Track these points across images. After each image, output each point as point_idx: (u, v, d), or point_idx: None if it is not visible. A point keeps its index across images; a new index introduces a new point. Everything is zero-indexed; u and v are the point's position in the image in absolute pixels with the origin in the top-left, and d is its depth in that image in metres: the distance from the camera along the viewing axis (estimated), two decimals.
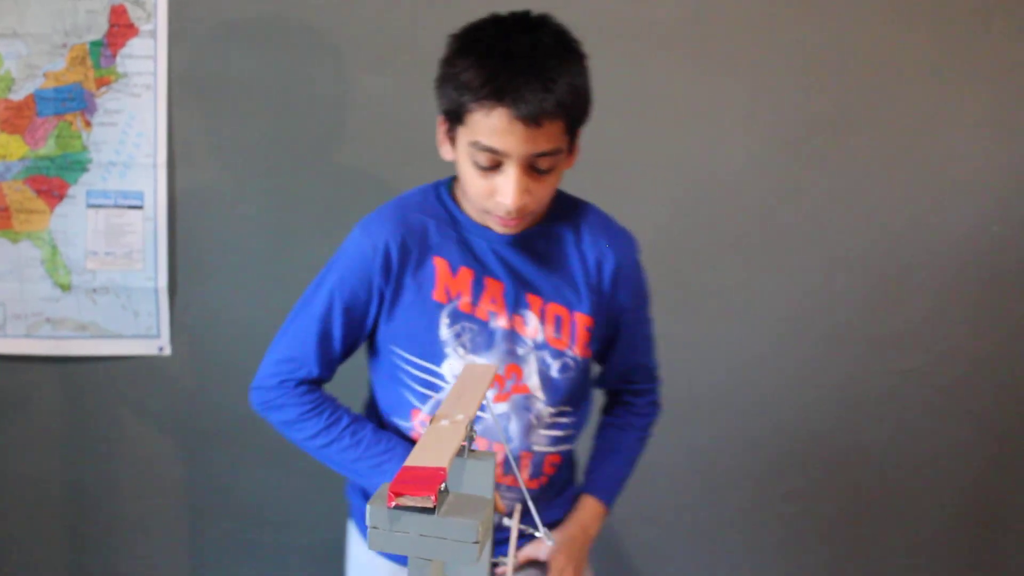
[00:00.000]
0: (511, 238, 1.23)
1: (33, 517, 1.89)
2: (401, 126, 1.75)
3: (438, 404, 1.23)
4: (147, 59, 1.72)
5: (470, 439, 0.89)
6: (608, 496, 1.35)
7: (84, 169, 1.75)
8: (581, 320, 1.27)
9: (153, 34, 1.71)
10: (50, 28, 1.70)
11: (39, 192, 1.74)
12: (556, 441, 1.31)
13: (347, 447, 1.25)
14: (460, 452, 0.87)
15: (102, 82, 1.73)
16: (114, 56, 1.72)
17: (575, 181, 1.27)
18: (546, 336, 1.26)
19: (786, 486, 1.97)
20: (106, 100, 1.73)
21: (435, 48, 1.17)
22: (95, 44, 1.71)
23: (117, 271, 1.78)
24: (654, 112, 1.80)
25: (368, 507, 0.73)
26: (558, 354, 1.27)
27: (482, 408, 1.17)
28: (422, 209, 1.25)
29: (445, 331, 1.24)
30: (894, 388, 1.92)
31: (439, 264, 1.23)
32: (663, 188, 1.82)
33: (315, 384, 1.27)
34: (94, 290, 1.78)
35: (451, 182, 1.28)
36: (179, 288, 1.81)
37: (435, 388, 1.26)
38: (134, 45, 1.72)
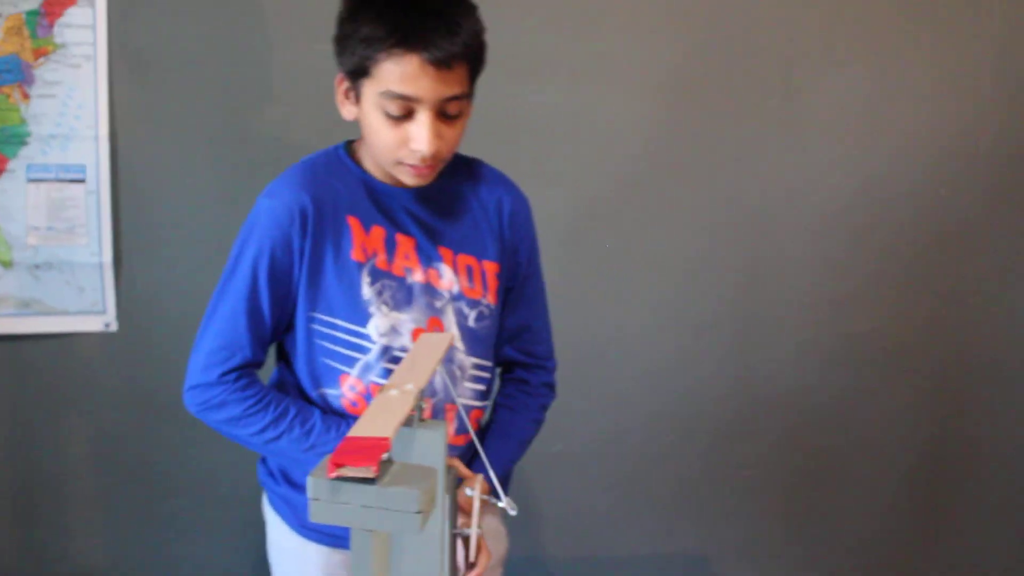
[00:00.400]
0: (415, 193, 1.26)
1: None
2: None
3: (366, 366, 1.25)
4: (86, 29, 1.72)
5: (419, 408, 0.89)
6: (502, 469, 1.35)
7: (23, 143, 1.73)
8: (490, 268, 1.31)
9: (92, 3, 1.71)
10: None
11: None
12: (478, 395, 1.34)
13: (297, 437, 1.24)
14: (410, 422, 0.87)
15: (40, 53, 1.71)
16: (51, 26, 1.71)
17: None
18: (461, 287, 1.30)
19: (740, 452, 2.01)
20: (44, 71, 1.72)
21: None
22: (31, 14, 1.70)
23: (60, 246, 1.77)
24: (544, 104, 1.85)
25: (308, 479, 0.72)
26: (473, 303, 1.31)
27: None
28: (328, 171, 1.27)
29: (367, 290, 1.25)
30: (844, 351, 1.97)
31: (353, 223, 1.25)
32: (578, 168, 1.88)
33: (252, 372, 1.26)
34: (36, 266, 1.76)
35: (348, 144, 1.30)
36: (124, 263, 1.80)
37: (362, 350, 1.26)
38: (72, 14, 1.71)
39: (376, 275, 1.25)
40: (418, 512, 0.72)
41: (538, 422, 1.41)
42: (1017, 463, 2.08)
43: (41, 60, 1.71)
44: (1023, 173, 1.94)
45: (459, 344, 1.31)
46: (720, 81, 1.86)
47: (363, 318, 1.26)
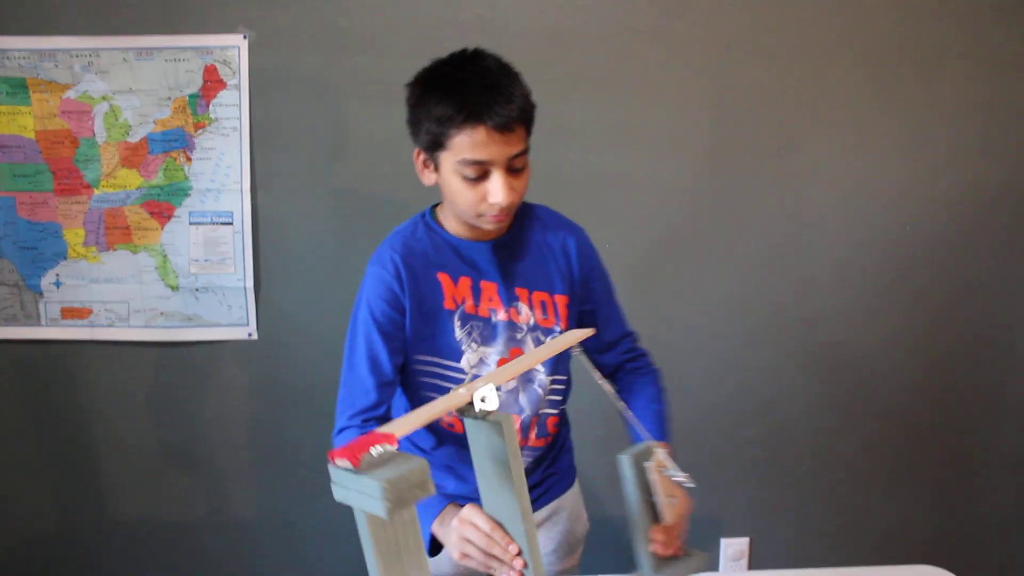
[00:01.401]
0: (493, 245, 1.38)
1: (153, 467, 2.26)
2: None
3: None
4: (233, 107, 2.06)
5: (483, 409, 1.04)
6: (670, 437, 1.44)
7: (186, 195, 2.09)
8: (560, 300, 1.43)
9: (238, 87, 2.05)
10: (157, 85, 2.04)
11: (152, 214, 2.10)
12: (554, 404, 1.49)
13: None
14: (477, 415, 1.04)
15: (199, 126, 2.07)
16: (208, 105, 2.06)
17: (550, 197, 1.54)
18: (536, 319, 1.42)
19: (748, 433, 2.31)
20: (202, 140, 2.07)
21: None
22: (193, 96, 2.05)
23: (214, 274, 2.13)
24: (613, 134, 2.13)
25: (329, 466, 0.90)
26: (547, 331, 1.43)
27: (498, 389, 1.39)
28: (415, 236, 1.40)
29: (459, 332, 1.38)
30: (824, 358, 2.28)
31: (443, 278, 1.38)
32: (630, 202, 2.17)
33: (378, 415, 1.37)
34: (196, 289, 2.13)
35: (432, 210, 1.44)
36: (263, 287, 2.15)
37: (456, 381, 1.39)
38: (223, 96, 2.05)
39: (465, 319, 1.38)
40: (384, 500, 0.86)
41: (663, 390, 1.50)
42: None
43: (200, 131, 2.07)
44: (973, 209, 2.21)
45: (539, 367, 1.44)
46: (732, 141, 2.14)
47: (457, 355, 1.39)
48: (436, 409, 1.01)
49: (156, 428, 2.26)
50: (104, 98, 2.06)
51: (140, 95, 2.06)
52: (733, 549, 2.38)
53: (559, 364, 1.48)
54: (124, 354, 2.20)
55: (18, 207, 2.10)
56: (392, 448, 0.93)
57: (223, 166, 2.10)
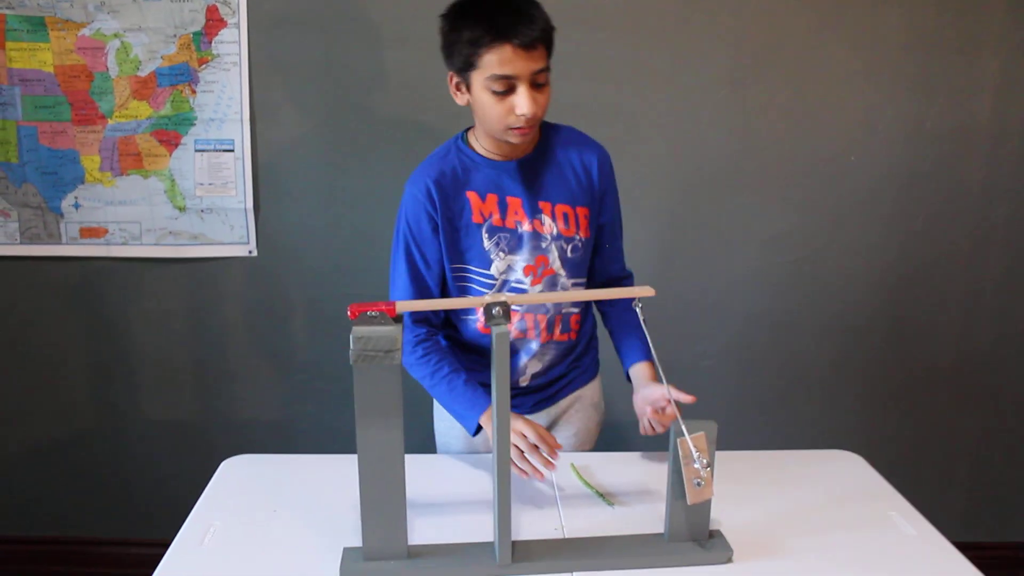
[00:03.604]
0: (519, 164, 1.52)
1: (165, 372, 2.49)
2: (418, 87, 2.26)
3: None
4: (233, 43, 2.24)
5: (498, 310, 1.21)
6: (652, 356, 1.60)
7: (192, 124, 2.29)
8: (582, 211, 1.58)
9: (237, 25, 2.23)
10: (164, 23, 2.23)
11: (161, 141, 2.30)
12: (576, 303, 1.67)
13: (444, 392, 1.57)
14: (493, 322, 1.21)
15: (202, 61, 2.25)
16: (210, 42, 2.24)
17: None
18: (559, 229, 1.56)
19: (781, 353, 2.53)
20: (205, 74, 2.26)
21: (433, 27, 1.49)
22: (196, 34, 2.24)
23: (217, 197, 2.33)
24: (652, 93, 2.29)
25: (352, 331, 1.14)
26: (569, 240, 1.57)
27: (525, 291, 1.58)
28: (447, 159, 1.54)
29: (487, 242, 1.54)
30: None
31: (471, 196, 1.53)
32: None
33: (428, 332, 1.59)
34: (202, 211, 2.34)
35: (464, 134, 1.57)
36: (261, 208, 2.35)
37: (487, 286, 1.57)
38: (224, 34, 2.24)
39: (492, 231, 1.54)
40: (351, 348, 1.13)
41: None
42: None
43: (203, 66, 2.26)
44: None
45: (561, 271, 1.60)
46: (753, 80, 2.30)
47: (486, 263, 1.56)
48: (445, 302, 1.28)
49: (167, 336, 2.49)
50: (116, 35, 2.25)
51: (148, 33, 2.25)
52: None
53: (579, 267, 1.63)
54: (137, 270, 2.42)
55: (40, 136, 2.31)
56: (387, 317, 1.18)
57: (225, 98, 2.29)
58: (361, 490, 1.26)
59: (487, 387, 1.51)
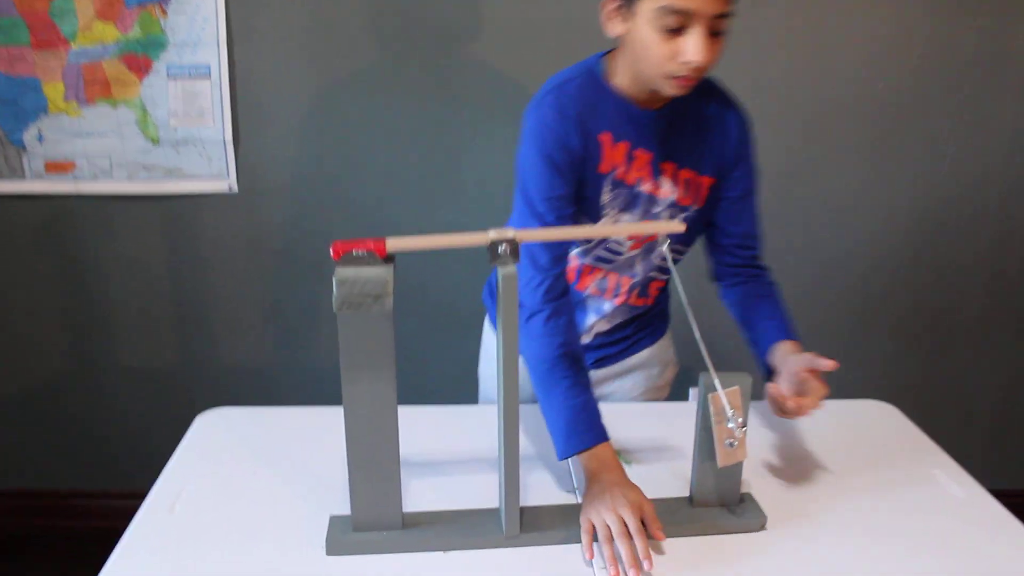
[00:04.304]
0: (658, 114, 1.31)
1: (142, 316, 2.37)
2: (411, 6, 2.08)
3: (585, 251, 1.44)
4: None
5: (503, 247, 1.04)
6: (798, 336, 1.40)
7: (164, 48, 2.11)
8: (706, 181, 1.39)
9: None
10: None
11: (130, 67, 2.12)
12: (664, 272, 1.52)
13: (556, 398, 1.29)
14: (500, 262, 1.04)
15: None
16: None
17: None
18: (677, 197, 1.39)
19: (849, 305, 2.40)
20: None
21: None
22: None
23: (193, 127, 2.17)
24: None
25: (335, 272, 0.99)
26: (684, 209, 1.41)
27: (619, 254, 1.43)
28: (584, 90, 1.31)
29: (606, 196, 1.36)
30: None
31: (604, 139, 1.32)
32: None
33: (563, 296, 1.34)
34: (176, 143, 2.18)
35: (600, 63, 1.33)
36: (241, 140, 2.20)
37: (587, 241, 1.43)
38: None
39: (614, 185, 1.35)
40: (335, 293, 0.99)
41: (780, 300, 1.47)
42: None
43: None
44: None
45: (663, 240, 1.34)
46: None
47: (596, 216, 1.39)
48: (444, 240, 1.06)
49: (142, 279, 2.35)
50: None
51: None
52: None
53: (686, 239, 1.47)
54: (108, 208, 2.27)
55: None
56: (376, 257, 1.02)
57: (199, 19, 2.11)
58: (349, 456, 1.12)
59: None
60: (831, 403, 1.61)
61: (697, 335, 1.16)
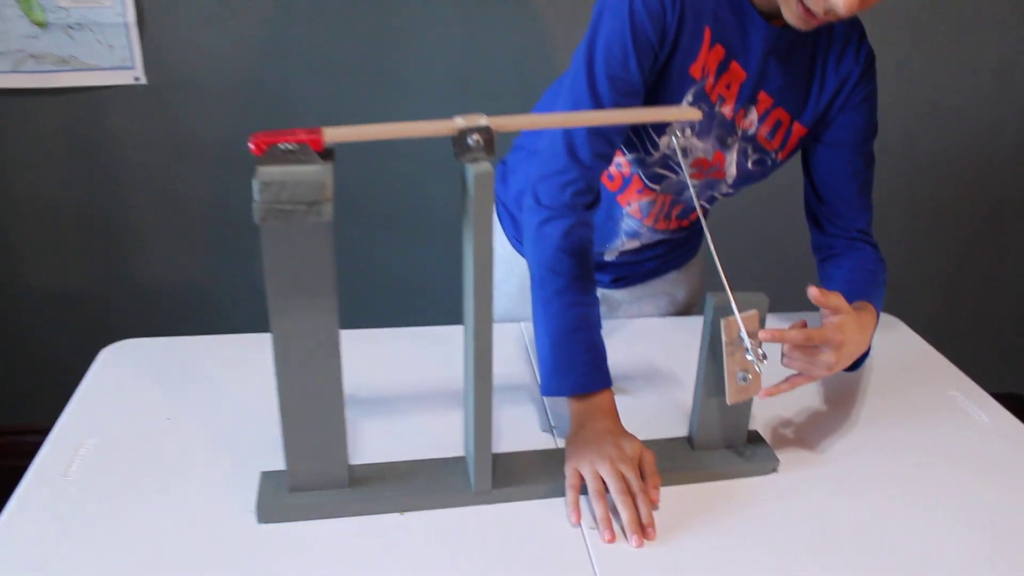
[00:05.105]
0: (775, 33, 1.10)
1: (47, 230, 2.10)
2: None
3: (640, 161, 1.19)
4: None
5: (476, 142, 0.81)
6: (878, 312, 1.15)
7: None
8: (798, 130, 1.19)
9: None
10: None
11: None
12: (713, 201, 1.32)
13: (557, 324, 1.07)
14: (469, 158, 0.81)
15: None
16: None
17: None
18: (759, 133, 1.18)
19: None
20: None
21: None
22: None
23: (88, 8, 1.87)
24: None
25: (256, 173, 0.76)
26: (761, 150, 1.20)
27: (676, 171, 1.20)
28: None
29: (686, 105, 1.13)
30: None
31: (707, 34, 1.09)
32: None
33: (595, 200, 1.14)
34: (70, 26, 1.88)
35: None
36: (147, 23, 1.91)
37: (646, 150, 1.18)
38: None
39: (698, 97, 1.13)
40: (256, 199, 0.77)
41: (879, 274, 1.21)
42: None
43: None
44: None
45: (729, 180, 1.23)
46: None
47: (662, 129, 1.16)
48: (397, 129, 0.83)
49: (44, 186, 2.07)
50: None
51: None
52: None
53: (752, 183, 1.26)
54: None
55: None
56: (311, 151, 0.79)
57: None
58: (280, 401, 0.90)
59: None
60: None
61: (709, 240, 0.96)
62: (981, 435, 1.15)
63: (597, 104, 1.07)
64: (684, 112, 0.91)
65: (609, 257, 1.41)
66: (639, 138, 1.17)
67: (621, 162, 1.23)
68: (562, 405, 1.11)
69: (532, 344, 1.32)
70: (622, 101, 1.07)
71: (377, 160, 2.08)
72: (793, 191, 1.33)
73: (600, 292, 1.46)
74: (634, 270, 1.44)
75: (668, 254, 1.45)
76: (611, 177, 1.26)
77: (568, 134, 1.09)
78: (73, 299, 2.19)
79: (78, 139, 2.02)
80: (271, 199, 0.79)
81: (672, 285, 1.49)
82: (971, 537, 0.96)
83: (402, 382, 1.21)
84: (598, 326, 1.09)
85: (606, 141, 1.10)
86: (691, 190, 1.14)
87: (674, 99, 1.12)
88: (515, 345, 1.33)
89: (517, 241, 1.42)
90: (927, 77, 2.20)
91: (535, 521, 0.96)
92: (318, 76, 2.01)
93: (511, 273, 1.44)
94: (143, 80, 1.96)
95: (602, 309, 1.44)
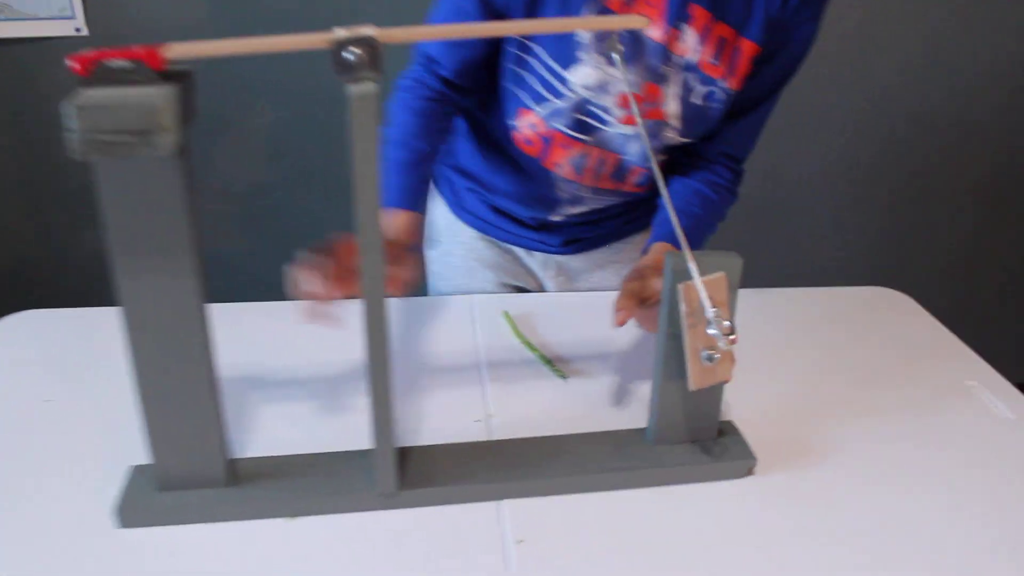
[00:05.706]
0: None
1: None
2: None
3: (555, 111, 1.04)
4: None
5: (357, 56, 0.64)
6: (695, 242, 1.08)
7: None
8: (747, 48, 0.99)
9: None
10: None
11: None
12: (666, 151, 1.12)
13: (390, 160, 1.00)
14: (351, 79, 0.64)
15: None
16: None
17: None
18: (701, 58, 0.99)
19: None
20: None
21: None
22: None
23: None
24: None
25: (67, 103, 0.60)
26: (708, 81, 1.00)
27: (605, 123, 1.03)
28: None
29: (587, 32, 0.97)
30: None
31: None
32: None
33: (441, 92, 1.04)
34: None
35: None
36: None
37: (557, 94, 1.01)
38: None
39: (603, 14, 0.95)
40: (73, 129, 0.61)
41: (719, 218, 1.14)
42: None
43: None
44: None
45: (674, 123, 1.04)
46: None
47: (569, 60, 0.98)
48: (262, 44, 0.65)
49: None
50: None
51: None
52: None
53: (706, 127, 1.06)
54: None
55: None
56: (148, 69, 0.64)
57: None
58: (136, 383, 0.73)
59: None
60: (826, 291, 1.28)
61: (666, 197, 0.78)
62: (1000, 430, 0.97)
63: (462, 44, 1.00)
64: (629, 20, 0.73)
65: (556, 219, 1.24)
66: (543, 81, 1.01)
67: (534, 121, 1.06)
68: (504, 391, 0.94)
69: (480, 320, 1.15)
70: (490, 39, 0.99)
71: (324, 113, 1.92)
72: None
73: (555, 259, 1.31)
74: (586, 232, 1.27)
75: (627, 214, 1.26)
76: (529, 141, 1.10)
77: (422, 47, 1.03)
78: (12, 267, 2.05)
79: (14, 94, 1.89)
80: (90, 127, 0.62)
81: (636, 250, 1.31)
82: (989, 551, 0.78)
83: (295, 360, 1.04)
84: (422, 153, 1.02)
85: (459, 50, 1.01)
86: (633, 105, 0.95)
87: (560, 14, 0.94)
88: (461, 320, 1.16)
89: (460, 208, 1.28)
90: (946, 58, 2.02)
91: (453, 528, 0.79)
92: (266, 25, 1.86)
93: (455, 242, 1.29)
94: (84, 31, 1.82)
95: (559, 280, 1.29)
